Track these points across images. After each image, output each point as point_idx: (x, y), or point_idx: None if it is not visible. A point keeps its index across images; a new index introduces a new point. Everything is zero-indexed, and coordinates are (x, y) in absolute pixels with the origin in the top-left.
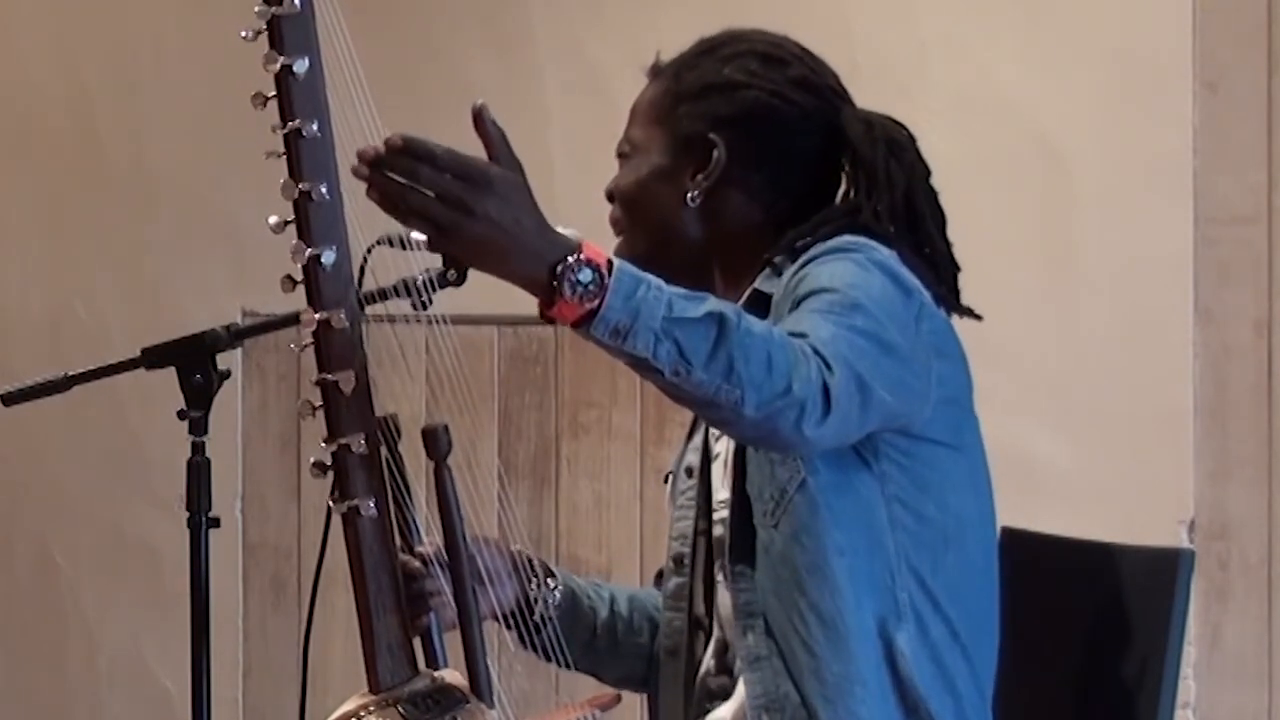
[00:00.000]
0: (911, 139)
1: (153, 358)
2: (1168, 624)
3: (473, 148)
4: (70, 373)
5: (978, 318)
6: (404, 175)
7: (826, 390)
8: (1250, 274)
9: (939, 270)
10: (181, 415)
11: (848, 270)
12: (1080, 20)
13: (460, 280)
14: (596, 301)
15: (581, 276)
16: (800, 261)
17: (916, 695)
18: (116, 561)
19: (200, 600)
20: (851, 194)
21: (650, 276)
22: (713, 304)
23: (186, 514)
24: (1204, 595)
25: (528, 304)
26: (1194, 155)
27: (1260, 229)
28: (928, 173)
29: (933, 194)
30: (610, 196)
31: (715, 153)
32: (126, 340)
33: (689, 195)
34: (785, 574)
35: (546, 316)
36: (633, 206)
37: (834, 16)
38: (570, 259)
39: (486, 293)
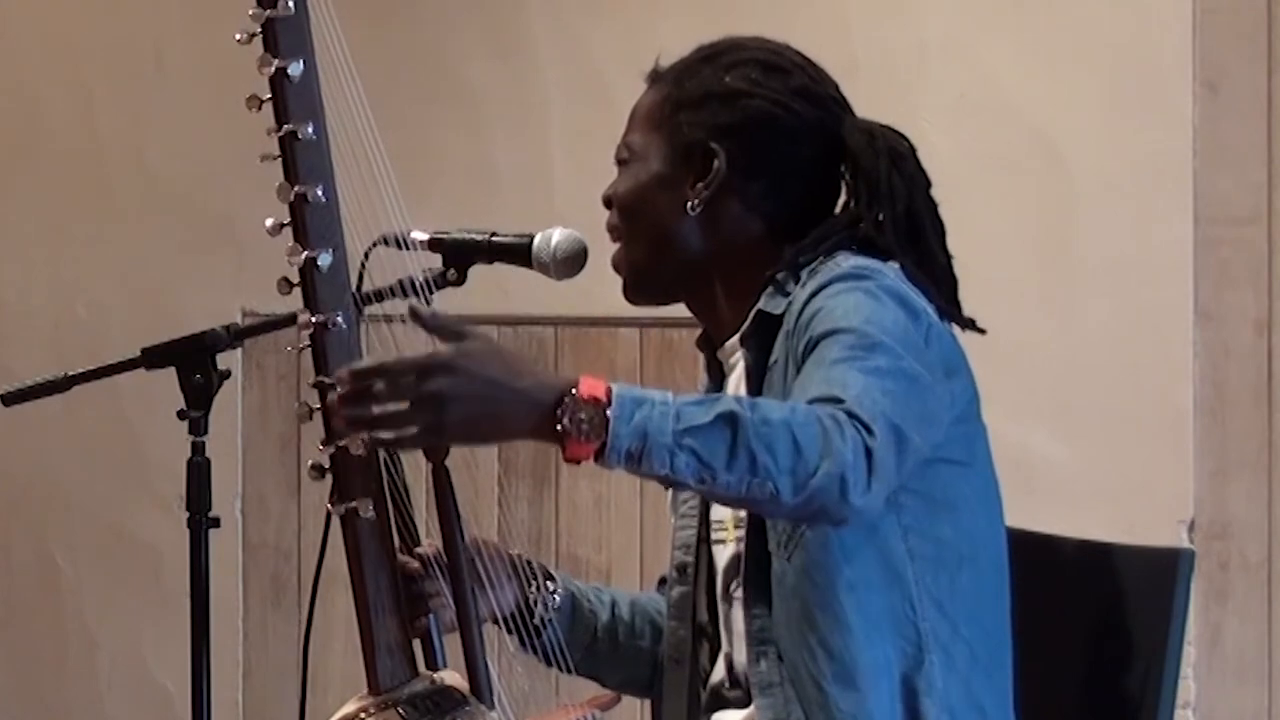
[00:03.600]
0: (912, 149)
1: (153, 358)
2: (1168, 624)
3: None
4: (70, 373)
5: (980, 331)
6: (368, 400)
7: (869, 454)
8: (1250, 274)
9: (940, 284)
10: (181, 415)
11: (860, 303)
12: (1080, 20)
13: (460, 280)
14: (605, 434)
15: (582, 415)
16: (809, 290)
17: None
18: (116, 561)
19: (200, 600)
20: (852, 205)
21: (654, 392)
22: (723, 404)
23: (186, 514)
24: (1204, 595)
25: (528, 304)
26: (1194, 155)
27: (1260, 229)
28: (928, 184)
29: (933, 205)
30: (608, 203)
31: (716, 162)
32: (126, 340)
33: (689, 204)
34: (796, 607)
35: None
36: (631, 214)
37: (834, 16)
38: (566, 400)
39: (486, 293)
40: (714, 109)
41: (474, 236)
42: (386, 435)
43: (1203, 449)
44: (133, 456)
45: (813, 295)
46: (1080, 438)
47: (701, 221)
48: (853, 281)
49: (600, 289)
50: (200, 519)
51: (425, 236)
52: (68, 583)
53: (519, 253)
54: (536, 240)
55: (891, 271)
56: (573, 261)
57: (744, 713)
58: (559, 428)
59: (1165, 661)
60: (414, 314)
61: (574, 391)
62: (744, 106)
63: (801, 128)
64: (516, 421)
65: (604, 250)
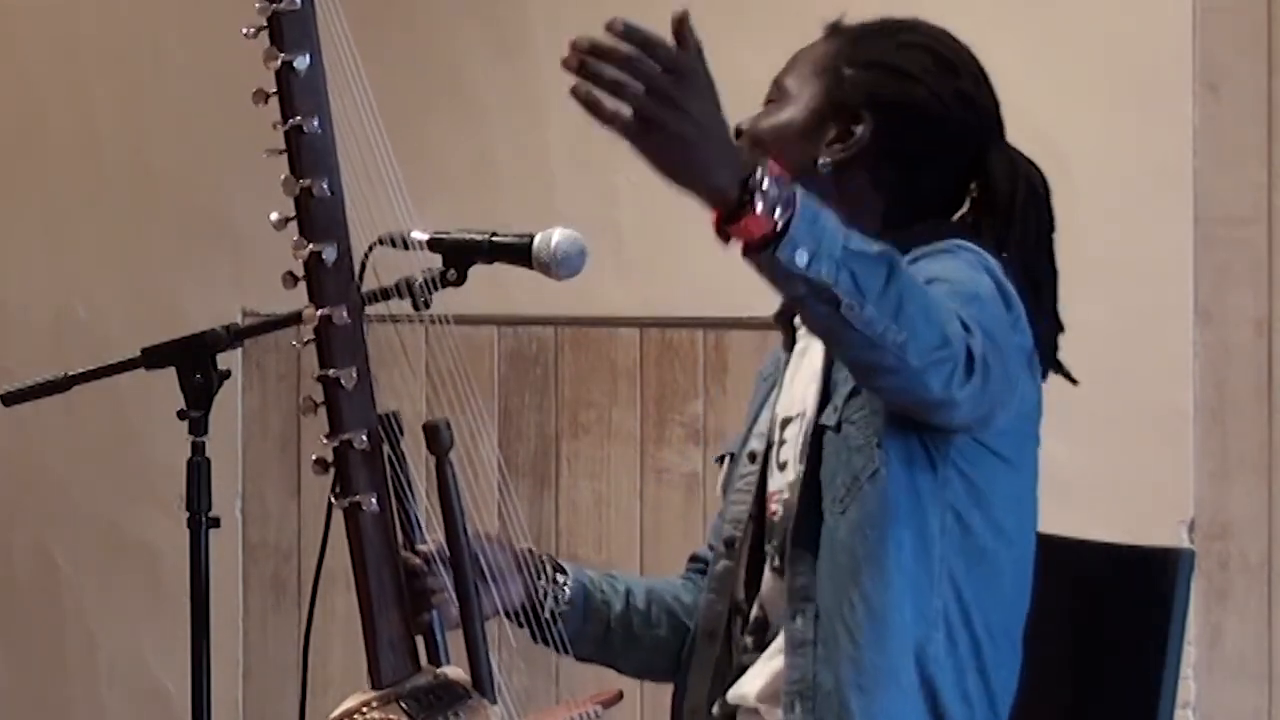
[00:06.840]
0: (1047, 190)
1: (153, 358)
2: (1168, 624)
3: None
4: (70, 373)
5: (1074, 381)
6: (620, 64)
7: (970, 351)
8: (1250, 274)
9: (1046, 323)
10: (181, 415)
11: (959, 268)
12: (1080, 21)
13: (460, 280)
14: (782, 221)
15: (773, 189)
16: (906, 259)
17: (941, 702)
18: (116, 561)
19: (200, 600)
20: (970, 219)
21: (824, 206)
22: (882, 244)
23: (186, 514)
24: (1204, 595)
25: (528, 304)
26: (1194, 155)
27: (1260, 229)
28: (1052, 228)
29: (1050, 248)
30: (738, 133)
31: (860, 128)
32: (126, 340)
33: (820, 160)
34: (844, 560)
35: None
36: (760, 150)
37: (834, 17)
38: (760, 171)
39: (487, 293)
40: (878, 78)
41: (474, 236)
42: (605, 100)
43: (1203, 449)
44: (133, 456)
45: (910, 263)
46: (1080, 438)
47: (827, 182)
48: (951, 252)
49: (600, 289)
50: (200, 519)
51: (425, 236)
52: (68, 583)
53: (519, 253)
54: (536, 240)
55: (992, 259)
56: (573, 261)
57: (758, 682)
58: (744, 196)
59: (1165, 661)
60: (679, 27)
61: (768, 165)
62: (906, 89)
63: (953, 130)
64: (712, 167)
65: (604, 250)
